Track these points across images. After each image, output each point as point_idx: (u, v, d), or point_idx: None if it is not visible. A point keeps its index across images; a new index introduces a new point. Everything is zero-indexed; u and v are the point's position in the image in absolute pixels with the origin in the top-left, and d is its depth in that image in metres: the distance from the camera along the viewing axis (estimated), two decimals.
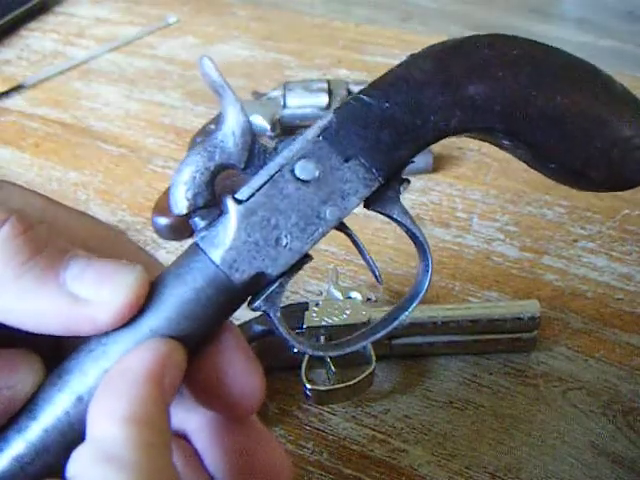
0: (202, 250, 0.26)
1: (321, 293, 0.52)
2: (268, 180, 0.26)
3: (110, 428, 0.21)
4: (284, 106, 0.72)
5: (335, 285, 0.51)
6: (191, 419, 0.29)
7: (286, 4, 1.03)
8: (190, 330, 0.25)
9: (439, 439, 0.44)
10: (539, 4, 1.05)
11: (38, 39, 0.94)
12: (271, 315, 0.27)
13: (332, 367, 0.47)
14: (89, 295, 0.24)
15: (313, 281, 0.55)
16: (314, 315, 0.47)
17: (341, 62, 0.84)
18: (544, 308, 0.49)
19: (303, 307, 0.48)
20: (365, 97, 0.28)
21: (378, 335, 0.30)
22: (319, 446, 0.44)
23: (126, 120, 0.76)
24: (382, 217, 0.64)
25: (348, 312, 0.47)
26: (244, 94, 0.78)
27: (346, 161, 0.27)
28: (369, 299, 0.49)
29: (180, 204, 0.26)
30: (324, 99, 0.72)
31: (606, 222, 0.60)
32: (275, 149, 0.27)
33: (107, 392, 0.22)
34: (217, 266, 0.26)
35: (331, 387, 0.46)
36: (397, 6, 1.04)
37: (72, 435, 0.24)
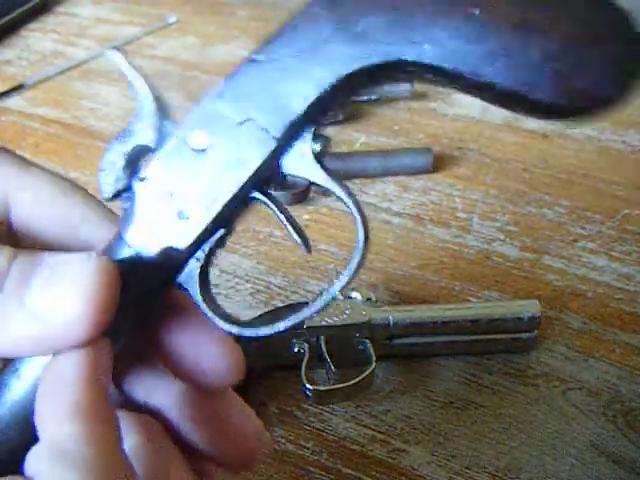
0: (119, 232, 0.27)
1: (321, 293, 0.52)
2: (165, 155, 0.26)
3: (59, 427, 0.22)
4: None
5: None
6: (160, 393, 0.29)
7: (286, 4, 1.03)
8: (120, 310, 0.25)
9: (439, 439, 0.44)
10: None
11: (38, 39, 0.94)
12: (190, 291, 0.27)
13: (332, 367, 0.47)
14: (50, 314, 0.22)
15: (313, 281, 0.55)
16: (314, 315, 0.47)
17: None
18: (544, 308, 0.49)
19: (303, 307, 0.48)
20: (255, 55, 0.26)
21: (307, 313, 0.29)
22: (319, 446, 0.44)
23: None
24: (382, 217, 0.65)
25: (348, 312, 0.47)
26: None
27: (240, 124, 0.26)
28: (369, 299, 0.49)
29: (104, 189, 0.27)
30: None
31: (606, 222, 0.60)
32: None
33: (49, 396, 0.22)
34: (129, 245, 0.26)
35: (331, 387, 0.46)
36: None
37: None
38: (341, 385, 0.46)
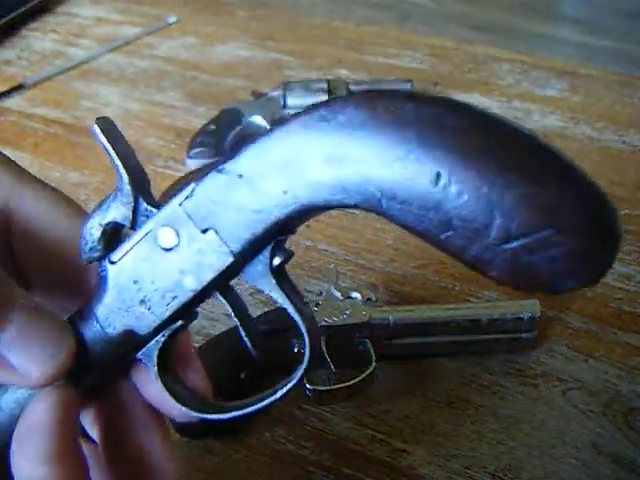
0: (91, 305, 0.28)
1: (321, 293, 0.52)
2: (135, 245, 0.28)
3: (34, 468, 0.25)
4: (284, 106, 0.72)
5: (335, 285, 0.51)
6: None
7: (286, 4, 1.03)
8: (85, 373, 0.29)
9: (439, 439, 0.44)
10: (539, 4, 1.05)
11: (38, 39, 0.94)
12: (150, 367, 0.29)
13: (332, 367, 0.47)
14: (18, 365, 0.26)
15: (313, 281, 0.55)
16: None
17: (341, 62, 0.84)
18: (544, 308, 0.49)
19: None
20: (224, 165, 0.26)
21: (271, 399, 0.32)
22: (319, 446, 0.44)
23: (126, 120, 0.76)
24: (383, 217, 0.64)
25: (348, 312, 0.47)
26: (244, 94, 0.78)
27: (203, 232, 0.27)
28: (369, 299, 0.49)
29: (82, 255, 0.28)
30: (324, 99, 0.72)
31: None
32: (158, 208, 0.28)
33: (23, 441, 0.26)
34: (97, 320, 0.28)
35: (331, 387, 0.46)
36: (397, 6, 1.04)
37: None
38: (341, 385, 0.46)
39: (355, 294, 0.49)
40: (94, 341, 0.28)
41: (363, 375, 0.46)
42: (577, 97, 0.77)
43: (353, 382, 0.46)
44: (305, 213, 0.26)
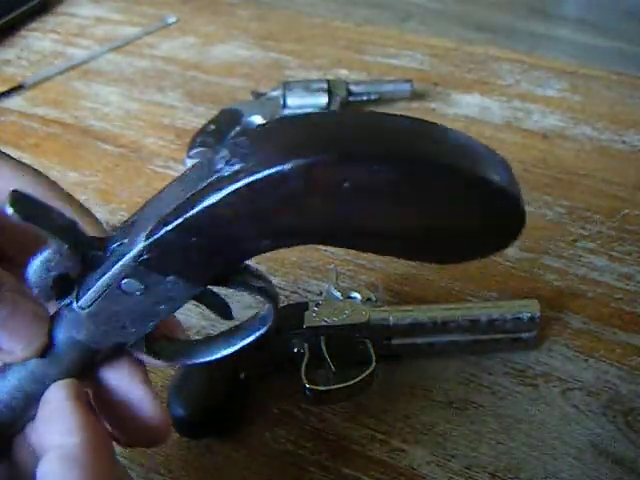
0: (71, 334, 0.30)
1: (321, 293, 0.52)
2: (101, 294, 0.28)
3: (67, 439, 0.28)
4: (284, 106, 0.72)
5: (335, 285, 0.51)
6: None
7: (286, 4, 1.03)
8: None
9: (439, 439, 0.44)
10: (539, 4, 1.05)
11: (38, 39, 0.94)
12: (139, 352, 0.31)
13: (332, 367, 0.47)
14: (4, 345, 0.29)
15: (313, 281, 0.55)
16: (314, 315, 0.47)
17: (341, 62, 0.84)
18: (544, 308, 0.49)
19: (303, 307, 0.48)
20: (172, 230, 0.27)
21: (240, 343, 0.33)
22: (319, 446, 0.44)
23: (126, 120, 0.76)
24: None
25: (348, 312, 0.47)
26: (244, 94, 0.78)
27: (166, 276, 0.28)
28: (369, 299, 0.49)
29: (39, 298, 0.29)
30: (324, 99, 0.72)
31: (606, 222, 0.60)
32: (108, 252, 0.28)
33: (52, 419, 0.29)
34: (82, 342, 0.29)
35: (331, 387, 0.46)
36: (397, 6, 1.04)
37: None
38: (341, 385, 0.46)
39: (355, 294, 0.49)
40: (80, 351, 0.30)
41: (363, 375, 0.46)
42: (577, 97, 0.77)
43: (353, 382, 0.46)
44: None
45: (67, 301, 0.29)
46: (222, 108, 0.73)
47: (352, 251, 0.58)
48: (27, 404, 0.30)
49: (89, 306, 0.28)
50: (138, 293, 0.28)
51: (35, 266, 0.27)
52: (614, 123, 0.72)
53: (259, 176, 0.24)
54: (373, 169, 0.24)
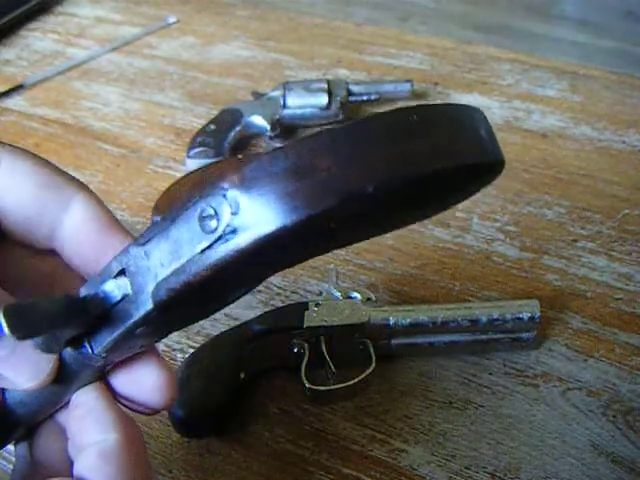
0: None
1: (321, 293, 0.52)
2: (117, 343, 0.28)
3: (105, 436, 0.29)
4: (284, 106, 0.72)
5: (335, 285, 0.51)
6: None
7: (286, 4, 1.03)
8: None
9: (439, 439, 0.44)
10: (539, 4, 1.05)
11: (38, 39, 0.94)
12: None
13: (332, 367, 0.47)
14: (8, 376, 0.29)
15: (313, 281, 0.55)
16: (314, 315, 0.47)
17: (341, 62, 0.84)
18: (544, 308, 0.49)
19: (303, 307, 0.48)
20: (177, 292, 0.27)
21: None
22: (319, 446, 0.44)
23: (126, 120, 0.76)
24: None
25: (348, 312, 0.47)
26: (244, 94, 0.78)
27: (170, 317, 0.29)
28: (369, 299, 0.49)
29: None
30: (324, 99, 0.72)
31: (606, 222, 0.60)
32: (113, 310, 0.28)
33: (87, 419, 0.30)
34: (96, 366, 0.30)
35: (331, 387, 0.46)
36: (397, 6, 1.04)
37: None
38: (341, 385, 0.46)
39: (355, 294, 0.49)
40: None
41: (363, 375, 0.46)
42: (577, 97, 0.77)
43: (353, 382, 0.46)
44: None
45: (82, 350, 0.29)
46: (222, 108, 0.73)
47: (352, 251, 0.58)
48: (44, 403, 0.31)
49: (105, 353, 0.29)
50: (149, 330, 0.28)
51: (42, 340, 0.27)
52: (614, 123, 0.72)
53: (263, 235, 0.23)
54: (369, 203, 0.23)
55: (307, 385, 0.46)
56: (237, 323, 0.49)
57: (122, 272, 0.27)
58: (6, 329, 0.24)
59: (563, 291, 0.53)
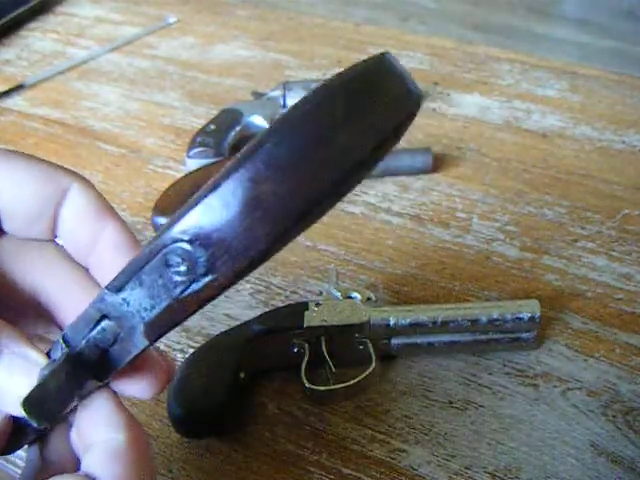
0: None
1: (321, 293, 0.52)
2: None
3: (111, 434, 0.30)
4: (284, 106, 0.72)
5: (335, 285, 0.51)
6: None
7: (286, 4, 1.03)
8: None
9: (439, 439, 0.44)
10: (539, 4, 1.05)
11: (38, 39, 0.94)
12: None
13: (332, 367, 0.47)
14: (6, 399, 0.29)
15: (313, 281, 0.55)
16: (314, 315, 0.47)
17: (341, 62, 0.84)
18: (544, 308, 0.49)
19: (303, 307, 0.48)
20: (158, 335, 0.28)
21: None
22: (319, 446, 0.44)
23: (126, 120, 0.76)
24: (382, 217, 0.65)
25: (348, 312, 0.47)
26: (244, 94, 0.78)
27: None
28: (369, 299, 0.49)
29: None
30: None
31: (606, 222, 0.60)
32: (110, 350, 0.29)
33: (96, 419, 0.30)
34: None
35: (331, 387, 0.46)
36: (397, 6, 1.04)
37: None
38: (341, 385, 0.46)
39: (355, 294, 0.49)
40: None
41: (363, 375, 0.46)
42: (577, 97, 0.77)
43: (353, 382, 0.46)
44: None
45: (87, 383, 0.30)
46: (222, 108, 0.73)
47: (352, 251, 0.58)
48: None
49: (109, 379, 0.30)
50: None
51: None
52: (614, 123, 0.72)
53: (237, 269, 0.24)
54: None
55: (307, 385, 0.46)
56: (237, 323, 0.49)
57: (104, 317, 0.28)
58: (34, 422, 0.27)
59: (563, 291, 0.53)
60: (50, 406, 0.28)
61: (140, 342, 0.27)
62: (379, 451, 0.44)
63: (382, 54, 0.26)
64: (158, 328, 0.27)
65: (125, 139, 0.73)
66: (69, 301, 0.33)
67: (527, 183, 0.65)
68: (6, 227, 0.32)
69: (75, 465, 0.31)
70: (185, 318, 0.26)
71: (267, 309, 0.50)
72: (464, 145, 0.70)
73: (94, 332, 0.28)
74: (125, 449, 0.29)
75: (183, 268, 0.25)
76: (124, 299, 0.27)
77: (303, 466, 0.43)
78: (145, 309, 0.26)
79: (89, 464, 0.29)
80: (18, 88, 0.82)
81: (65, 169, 0.33)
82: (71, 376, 0.28)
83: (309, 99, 0.23)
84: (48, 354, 0.30)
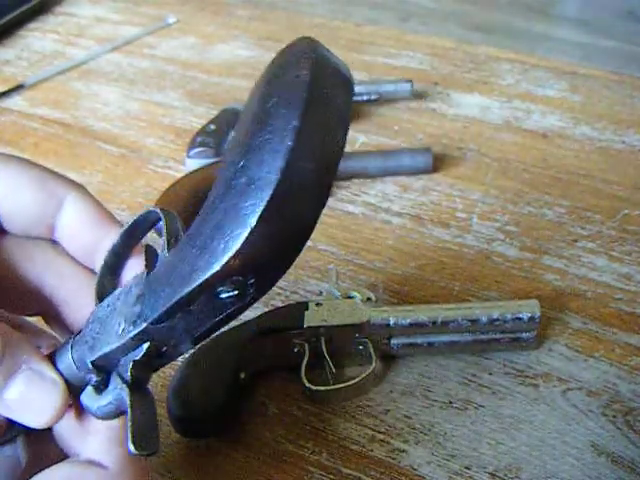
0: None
1: (321, 293, 0.52)
2: None
3: (111, 422, 0.31)
4: None
5: (335, 285, 0.51)
6: None
7: (286, 4, 1.03)
8: None
9: (439, 439, 0.44)
10: (539, 4, 1.05)
11: (38, 39, 0.94)
12: None
13: (332, 367, 0.47)
14: (20, 418, 0.30)
15: (313, 281, 0.55)
16: (314, 315, 0.47)
17: None
18: (544, 308, 0.49)
19: (303, 307, 0.48)
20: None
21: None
22: (319, 446, 0.44)
23: (126, 120, 0.76)
24: (382, 217, 0.65)
25: (348, 312, 0.47)
26: (244, 94, 0.78)
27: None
28: (369, 299, 0.49)
29: None
30: None
31: (606, 222, 0.60)
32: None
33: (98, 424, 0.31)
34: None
35: (331, 387, 0.46)
36: (397, 6, 1.04)
37: None
38: (341, 385, 0.46)
39: (355, 294, 0.49)
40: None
41: (363, 375, 0.46)
42: (577, 97, 0.77)
43: (353, 382, 0.46)
44: None
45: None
46: (222, 108, 0.73)
47: (352, 251, 0.58)
48: None
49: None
50: None
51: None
52: (614, 123, 0.72)
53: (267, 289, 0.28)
54: None
55: (307, 385, 0.46)
56: (237, 323, 0.49)
57: (147, 340, 0.28)
58: (145, 454, 0.28)
59: (563, 291, 0.53)
60: (151, 433, 0.29)
61: (186, 349, 0.29)
62: (379, 451, 0.44)
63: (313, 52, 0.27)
64: (204, 337, 0.28)
65: (125, 139, 0.73)
66: (73, 296, 0.33)
67: (527, 183, 0.65)
68: (7, 228, 0.33)
69: (58, 457, 0.32)
70: (228, 323, 0.28)
71: (267, 309, 0.50)
72: (464, 145, 0.70)
73: (139, 355, 0.28)
74: (123, 435, 0.30)
75: (235, 293, 0.26)
76: (170, 327, 0.27)
77: (303, 466, 0.43)
78: (193, 328, 0.27)
79: (91, 450, 0.30)
80: (18, 88, 0.82)
81: (62, 178, 0.34)
82: (138, 401, 0.29)
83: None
84: (52, 356, 0.31)
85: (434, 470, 0.43)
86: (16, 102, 0.80)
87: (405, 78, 0.76)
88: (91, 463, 0.30)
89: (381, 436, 0.45)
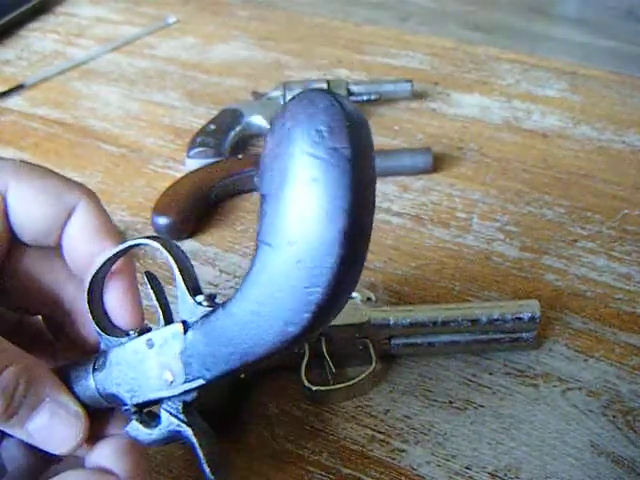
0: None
1: None
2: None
3: (118, 429, 0.33)
4: None
5: None
6: None
7: (286, 4, 1.03)
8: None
9: (439, 439, 0.44)
10: (539, 4, 1.05)
11: (38, 39, 0.94)
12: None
13: (332, 367, 0.47)
14: (44, 446, 0.32)
15: None
16: None
17: (341, 62, 0.84)
18: (544, 308, 0.49)
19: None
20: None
21: None
22: (319, 446, 0.44)
23: (126, 120, 0.76)
24: (382, 217, 0.65)
25: (348, 312, 0.47)
26: (244, 94, 0.78)
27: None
28: (369, 299, 0.49)
29: None
30: None
31: (606, 222, 0.60)
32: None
33: (102, 415, 0.34)
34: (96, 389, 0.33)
35: (331, 387, 0.46)
36: (397, 6, 1.04)
37: None
38: (341, 385, 0.46)
39: (355, 294, 0.49)
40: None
41: (363, 375, 0.46)
42: (577, 97, 0.77)
43: (353, 382, 0.46)
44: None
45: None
46: (222, 108, 0.73)
47: None
48: None
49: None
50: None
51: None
52: (614, 123, 0.72)
53: None
54: None
55: (307, 385, 0.46)
56: None
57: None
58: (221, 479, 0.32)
59: (563, 291, 0.53)
60: (220, 459, 0.33)
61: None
62: (379, 451, 0.44)
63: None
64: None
65: (125, 139, 0.73)
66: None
67: (527, 183, 0.65)
68: (20, 237, 0.34)
69: (64, 459, 0.33)
70: None
71: None
72: (464, 145, 0.70)
73: (189, 399, 0.32)
74: (130, 444, 0.32)
75: None
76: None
77: (303, 466, 0.43)
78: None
79: (101, 458, 0.32)
80: (18, 88, 0.82)
81: (73, 184, 0.34)
82: (199, 434, 0.33)
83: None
84: (63, 371, 0.33)
85: (434, 470, 0.43)
86: (16, 102, 0.80)
87: (405, 78, 0.76)
88: (102, 471, 0.31)
89: (381, 436, 0.45)
